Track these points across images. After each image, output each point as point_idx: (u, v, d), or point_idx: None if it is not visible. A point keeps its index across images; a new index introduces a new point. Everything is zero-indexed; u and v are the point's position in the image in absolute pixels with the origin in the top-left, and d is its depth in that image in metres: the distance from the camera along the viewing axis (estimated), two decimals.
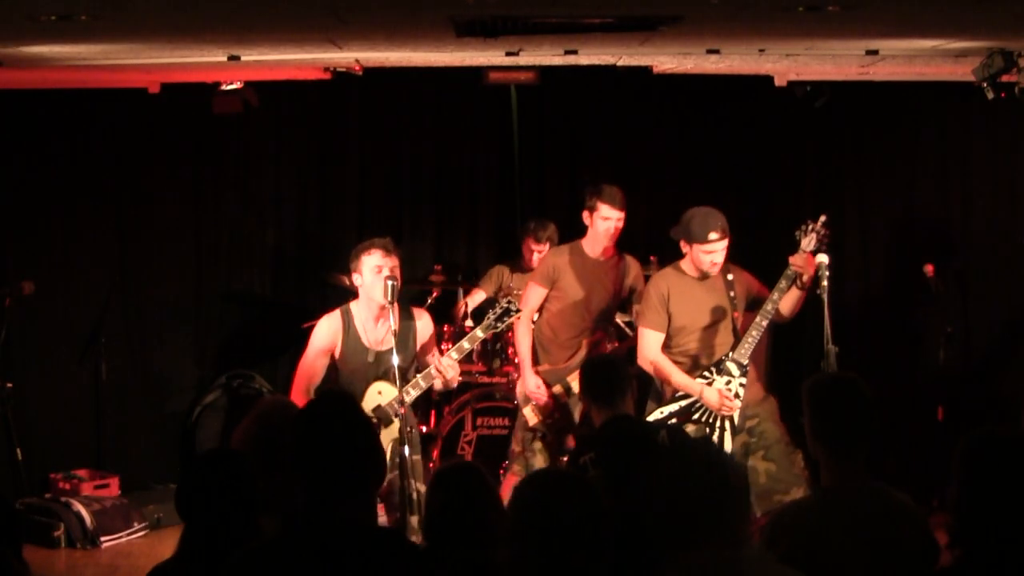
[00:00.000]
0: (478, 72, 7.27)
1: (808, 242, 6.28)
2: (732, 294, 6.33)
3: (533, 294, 6.74)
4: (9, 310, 7.47)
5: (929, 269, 7.45)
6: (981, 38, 5.59)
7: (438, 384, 5.84)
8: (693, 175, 8.90)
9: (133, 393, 8.50)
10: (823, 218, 6.31)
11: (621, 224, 6.68)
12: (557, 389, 6.67)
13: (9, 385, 7.60)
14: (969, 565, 3.16)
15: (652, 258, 8.01)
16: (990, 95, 6.07)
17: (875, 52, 6.02)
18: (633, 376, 5.77)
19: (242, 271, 8.83)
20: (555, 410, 6.66)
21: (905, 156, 8.46)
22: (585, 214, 6.72)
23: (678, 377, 6.25)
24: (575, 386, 6.53)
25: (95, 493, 7.82)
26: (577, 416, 6.67)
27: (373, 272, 5.78)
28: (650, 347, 6.31)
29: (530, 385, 6.63)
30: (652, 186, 8.95)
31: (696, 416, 6.26)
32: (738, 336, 6.28)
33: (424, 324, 5.99)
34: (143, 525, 7.68)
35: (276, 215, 8.83)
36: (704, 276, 6.34)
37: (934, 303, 7.53)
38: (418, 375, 5.81)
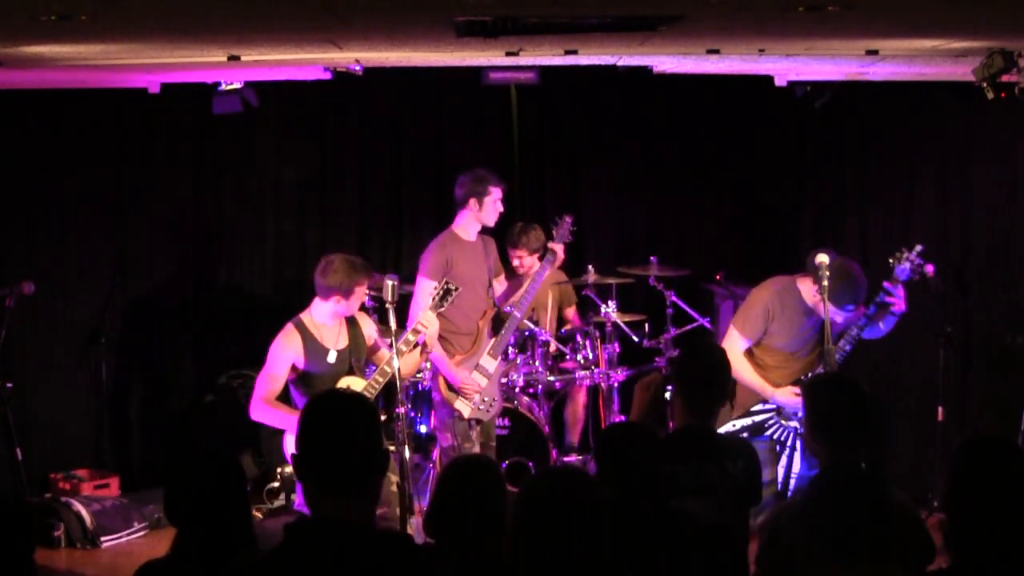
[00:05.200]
0: (478, 72, 7.27)
1: (902, 270, 6.29)
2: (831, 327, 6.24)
3: (425, 289, 6.74)
4: (9, 310, 7.47)
5: (929, 269, 7.44)
6: (981, 38, 5.59)
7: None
8: (693, 175, 8.91)
9: (133, 393, 8.51)
10: (919, 247, 6.32)
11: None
12: (475, 375, 6.84)
13: (9, 385, 7.58)
14: (964, 566, 3.16)
15: (652, 258, 8.02)
16: (990, 95, 6.07)
17: (875, 52, 6.02)
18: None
19: (242, 270, 8.83)
20: (483, 396, 6.84)
21: (905, 156, 8.46)
22: (472, 202, 6.85)
23: (750, 376, 6.24)
24: (489, 365, 6.86)
25: (95, 493, 7.83)
26: (495, 392, 6.89)
27: (359, 299, 6.28)
28: (733, 350, 6.18)
29: (462, 379, 6.79)
30: (652, 186, 8.96)
31: (768, 432, 6.24)
32: (822, 361, 6.25)
33: (367, 323, 6.43)
34: (143, 525, 7.68)
35: (276, 215, 8.83)
36: (814, 306, 6.28)
37: (934, 303, 7.53)
38: (383, 364, 6.11)
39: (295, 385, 6.27)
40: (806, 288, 6.30)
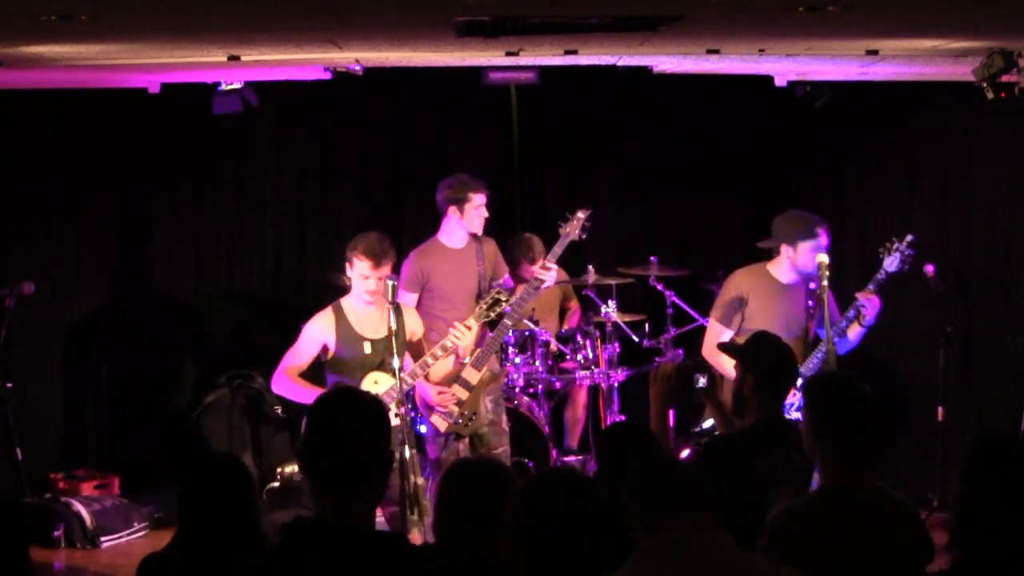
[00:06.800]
0: (478, 72, 7.27)
1: (892, 261, 6.30)
2: (810, 304, 6.25)
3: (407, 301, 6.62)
4: (9, 310, 7.47)
5: (929, 269, 7.45)
6: (981, 38, 5.59)
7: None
8: (693, 175, 8.91)
9: (133, 393, 8.50)
10: (909, 237, 6.31)
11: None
12: (455, 388, 6.55)
13: (9, 385, 7.59)
14: (969, 564, 3.16)
15: (652, 258, 8.02)
16: (990, 95, 6.07)
17: (875, 52, 6.02)
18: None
19: (242, 271, 8.83)
20: (462, 410, 6.57)
21: (905, 156, 8.46)
22: (452, 209, 6.70)
23: (732, 369, 6.19)
24: (472, 378, 6.53)
25: (95, 493, 7.82)
26: (482, 406, 6.64)
27: (360, 279, 6.06)
28: (715, 343, 6.18)
29: (432, 395, 6.46)
30: (652, 186, 8.96)
31: None
32: (808, 352, 6.24)
33: (413, 319, 6.26)
34: (143, 525, 7.68)
35: (276, 215, 8.83)
36: (790, 284, 6.28)
37: (934, 303, 7.53)
38: (415, 364, 6.01)
39: (328, 368, 6.20)
40: (776, 267, 6.34)
